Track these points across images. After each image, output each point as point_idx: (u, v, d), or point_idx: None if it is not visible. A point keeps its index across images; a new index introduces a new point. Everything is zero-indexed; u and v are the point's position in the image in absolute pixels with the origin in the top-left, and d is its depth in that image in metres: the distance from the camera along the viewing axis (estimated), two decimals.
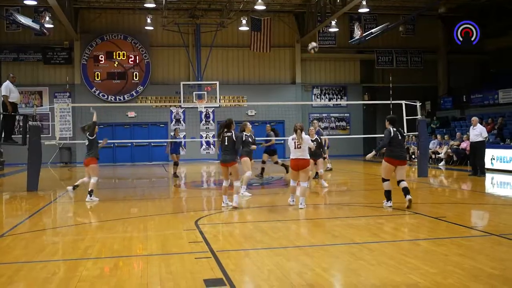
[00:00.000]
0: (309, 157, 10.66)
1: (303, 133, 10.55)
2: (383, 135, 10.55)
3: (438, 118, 30.15)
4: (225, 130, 10.87)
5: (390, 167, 10.21)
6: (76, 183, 12.93)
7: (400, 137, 10.26)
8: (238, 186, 10.93)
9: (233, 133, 10.86)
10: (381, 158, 11.03)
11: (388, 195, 10.38)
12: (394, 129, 10.26)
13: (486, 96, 27.33)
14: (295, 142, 10.43)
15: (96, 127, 13.08)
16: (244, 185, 12.74)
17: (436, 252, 6.57)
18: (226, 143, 10.72)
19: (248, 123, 13.99)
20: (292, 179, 10.89)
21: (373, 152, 10.48)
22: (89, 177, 12.61)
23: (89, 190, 12.43)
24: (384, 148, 10.43)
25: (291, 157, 10.62)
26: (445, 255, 6.38)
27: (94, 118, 13.29)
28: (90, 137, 12.92)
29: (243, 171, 12.74)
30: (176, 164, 19.20)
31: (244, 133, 13.44)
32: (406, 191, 10.14)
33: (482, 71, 33.28)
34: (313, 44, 16.77)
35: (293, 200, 10.83)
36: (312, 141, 13.21)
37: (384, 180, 10.32)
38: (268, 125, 19.36)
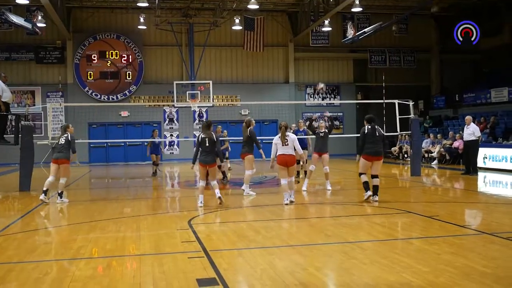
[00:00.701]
0: (294, 154, 10.97)
1: (288, 131, 11.19)
2: (359, 134, 11.31)
3: (431, 117, 30.26)
4: (205, 131, 11.05)
5: (367, 163, 11.04)
6: (44, 188, 12.12)
7: (377, 134, 10.96)
8: (216, 184, 11.18)
9: (213, 134, 11.07)
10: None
11: (366, 185, 11.00)
12: (369, 127, 11.00)
13: (478, 95, 27.43)
14: (282, 140, 10.84)
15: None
16: (246, 184, 13.02)
17: (429, 250, 6.59)
18: (206, 144, 10.88)
19: (253, 120, 14.15)
20: (283, 178, 10.99)
21: (358, 156, 11.26)
22: (54, 176, 12.10)
23: (59, 191, 12.14)
24: None
25: (278, 153, 10.86)
26: (437, 253, 6.40)
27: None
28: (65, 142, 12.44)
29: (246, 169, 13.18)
30: (155, 164, 19.33)
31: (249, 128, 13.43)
32: (376, 190, 10.94)
33: (474, 70, 33.41)
34: (321, 85, 17.04)
35: (288, 199, 10.90)
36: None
37: (361, 174, 11.13)
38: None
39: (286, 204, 10.79)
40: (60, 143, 12.47)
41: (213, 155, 10.96)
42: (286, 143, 10.83)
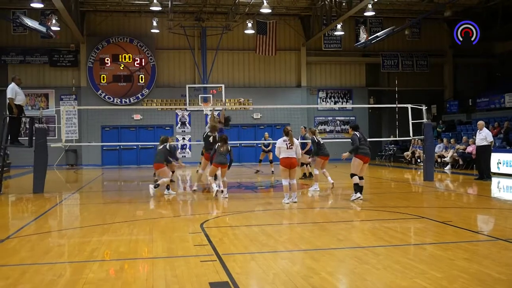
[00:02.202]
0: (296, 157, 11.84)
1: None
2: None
3: (444, 122, 30.07)
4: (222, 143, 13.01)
5: (360, 164, 12.03)
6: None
7: (366, 138, 12.52)
8: (225, 181, 13.39)
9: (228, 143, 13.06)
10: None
11: (357, 187, 11.97)
12: (358, 133, 12.28)
13: (492, 100, 27.24)
14: (287, 144, 11.64)
15: None
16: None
17: (442, 256, 6.54)
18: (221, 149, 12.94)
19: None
20: (284, 178, 11.78)
21: (347, 153, 12.42)
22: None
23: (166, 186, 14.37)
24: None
25: (282, 156, 11.66)
26: (451, 259, 6.36)
27: None
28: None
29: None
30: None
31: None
32: (361, 190, 12.03)
33: (488, 75, 33.18)
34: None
35: (289, 199, 11.79)
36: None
37: (353, 175, 12.01)
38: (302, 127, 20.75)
39: (287, 203, 11.62)
40: (158, 149, 14.49)
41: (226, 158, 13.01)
42: (291, 147, 11.64)
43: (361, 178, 12.11)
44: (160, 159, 14.12)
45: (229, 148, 13.05)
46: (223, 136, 13.27)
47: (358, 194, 11.94)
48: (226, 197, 13.06)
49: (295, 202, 11.76)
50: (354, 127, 12.72)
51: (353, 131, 12.50)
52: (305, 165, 18.11)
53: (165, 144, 14.28)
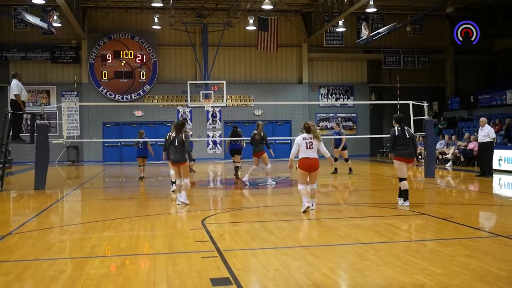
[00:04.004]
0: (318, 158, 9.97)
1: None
2: (389, 135, 10.89)
3: (445, 118, 30.06)
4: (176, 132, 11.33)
5: (402, 165, 10.50)
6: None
7: (407, 136, 10.54)
8: (187, 183, 11.37)
9: (183, 134, 11.34)
10: (389, 158, 11.31)
11: (405, 194, 10.57)
12: (399, 129, 10.59)
13: (494, 96, 27.21)
14: (307, 142, 9.82)
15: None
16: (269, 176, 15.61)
17: (443, 252, 6.55)
18: (176, 144, 11.20)
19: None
20: (301, 184, 9.94)
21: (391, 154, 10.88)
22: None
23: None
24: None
25: (300, 156, 9.84)
26: (451, 255, 6.37)
27: None
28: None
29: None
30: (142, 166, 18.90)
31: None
32: (406, 195, 10.58)
33: (489, 72, 33.13)
34: None
35: (306, 205, 9.84)
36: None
37: (401, 179, 10.56)
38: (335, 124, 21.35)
39: (304, 211, 9.78)
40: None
41: (183, 155, 11.28)
42: (311, 146, 9.81)
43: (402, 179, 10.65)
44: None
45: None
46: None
47: (407, 203, 10.50)
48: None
49: (313, 209, 10.08)
50: (395, 118, 10.86)
51: (395, 123, 10.78)
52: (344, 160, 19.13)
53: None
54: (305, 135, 9.91)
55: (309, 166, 9.77)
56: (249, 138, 15.97)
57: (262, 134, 15.36)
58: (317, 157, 9.85)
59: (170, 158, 11.68)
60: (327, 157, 10.27)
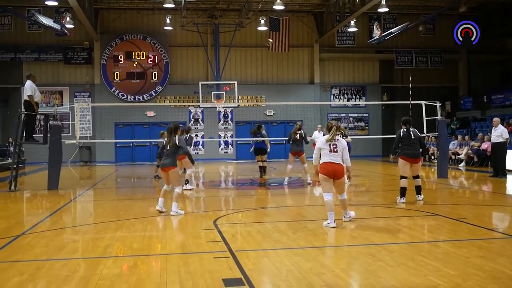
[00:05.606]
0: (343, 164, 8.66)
1: (338, 136, 8.89)
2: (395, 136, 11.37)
3: (458, 118, 29.85)
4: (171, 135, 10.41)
5: (406, 165, 10.91)
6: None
7: (412, 137, 10.89)
8: (178, 192, 10.47)
9: (177, 137, 10.44)
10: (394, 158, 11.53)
11: (403, 192, 10.93)
12: (405, 130, 10.98)
13: (507, 96, 26.98)
14: (330, 145, 8.54)
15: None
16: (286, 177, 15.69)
17: (456, 254, 6.50)
18: (168, 148, 10.38)
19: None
20: (326, 192, 8.62)
21: (392, 156, 11.16)
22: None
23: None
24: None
25: (322, 161, 8.55)
26: (465, 257, 6.31)
27: None
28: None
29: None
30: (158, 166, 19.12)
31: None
32: (418, 190, 11.16)
33: (503, 71, 32.86)
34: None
35: (334, 220, 8.51)
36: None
37: (402, 177, 10.94)
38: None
39: (327, 226, 8.48)
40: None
41: (173, 159, 10.41)
42: (335, 150, 8.51)
43: (416, 177, 11.10)
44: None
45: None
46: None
47: (403, 199, 10.85)
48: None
49: (345, 221, 8.90)
50: (402, 121, 11.21)
51: (403, 126, 11.12)
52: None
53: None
54: (328, 136, 8.69)
55: (332, 172, 8.48)
56: (281, 138, 16.28)
57: (302, 134, 15.68)
58: (341, 163, 8.56)
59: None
60: (347, 166, 8.75)
